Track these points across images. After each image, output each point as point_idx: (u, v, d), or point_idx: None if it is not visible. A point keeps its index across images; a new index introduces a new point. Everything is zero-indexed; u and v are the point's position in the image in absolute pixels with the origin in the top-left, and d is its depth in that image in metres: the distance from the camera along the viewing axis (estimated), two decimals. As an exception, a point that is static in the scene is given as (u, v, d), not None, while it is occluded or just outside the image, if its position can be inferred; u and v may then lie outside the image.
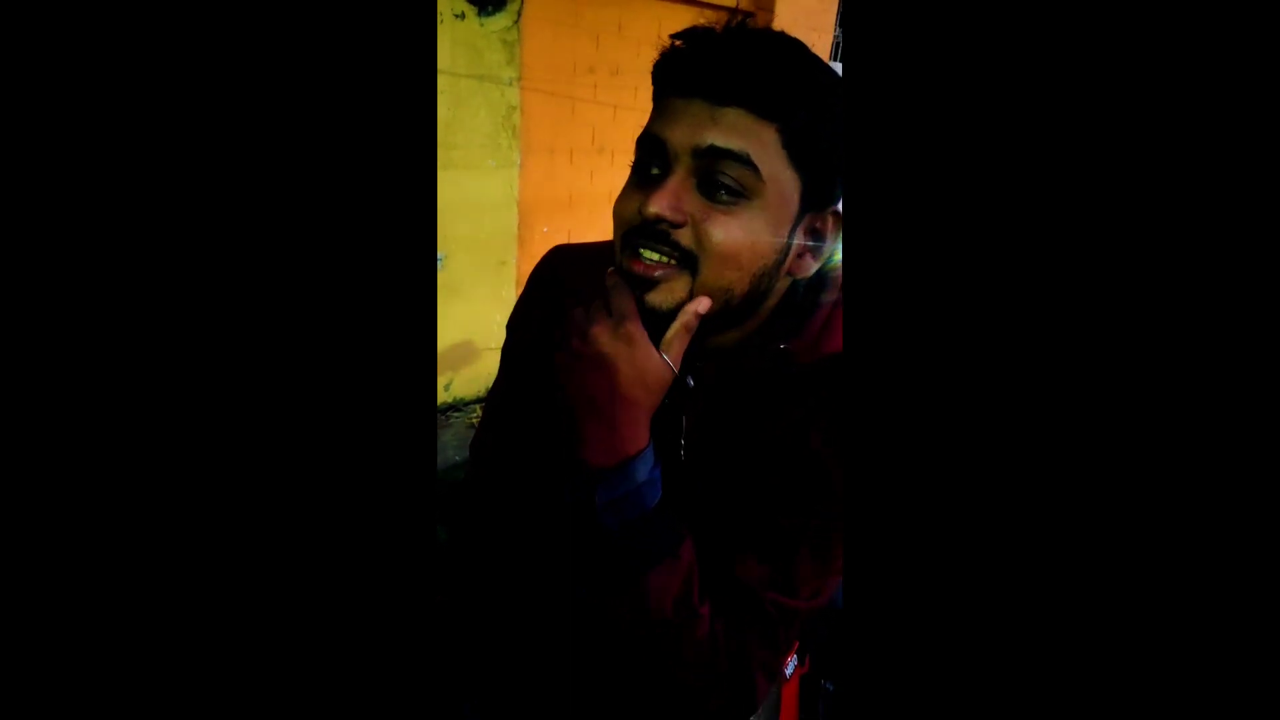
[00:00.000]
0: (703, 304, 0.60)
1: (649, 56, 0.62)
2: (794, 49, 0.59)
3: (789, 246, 0.62)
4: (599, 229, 3.33)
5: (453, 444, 2.88)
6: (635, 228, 0.60)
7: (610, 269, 0.62)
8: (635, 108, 3.28)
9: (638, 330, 0.59)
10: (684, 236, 0.59)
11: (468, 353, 3.11)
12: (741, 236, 0.58)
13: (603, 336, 0.59)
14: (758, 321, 0.66)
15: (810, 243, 0.64)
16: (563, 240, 3.44)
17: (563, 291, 0.71)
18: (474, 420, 3.08)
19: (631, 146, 0.63)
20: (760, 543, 0.63)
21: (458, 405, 3.14)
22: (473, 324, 3.06)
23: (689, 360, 0.64)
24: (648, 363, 0.59)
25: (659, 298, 0.60)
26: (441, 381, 3.07)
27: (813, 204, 0.62)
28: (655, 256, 0.60)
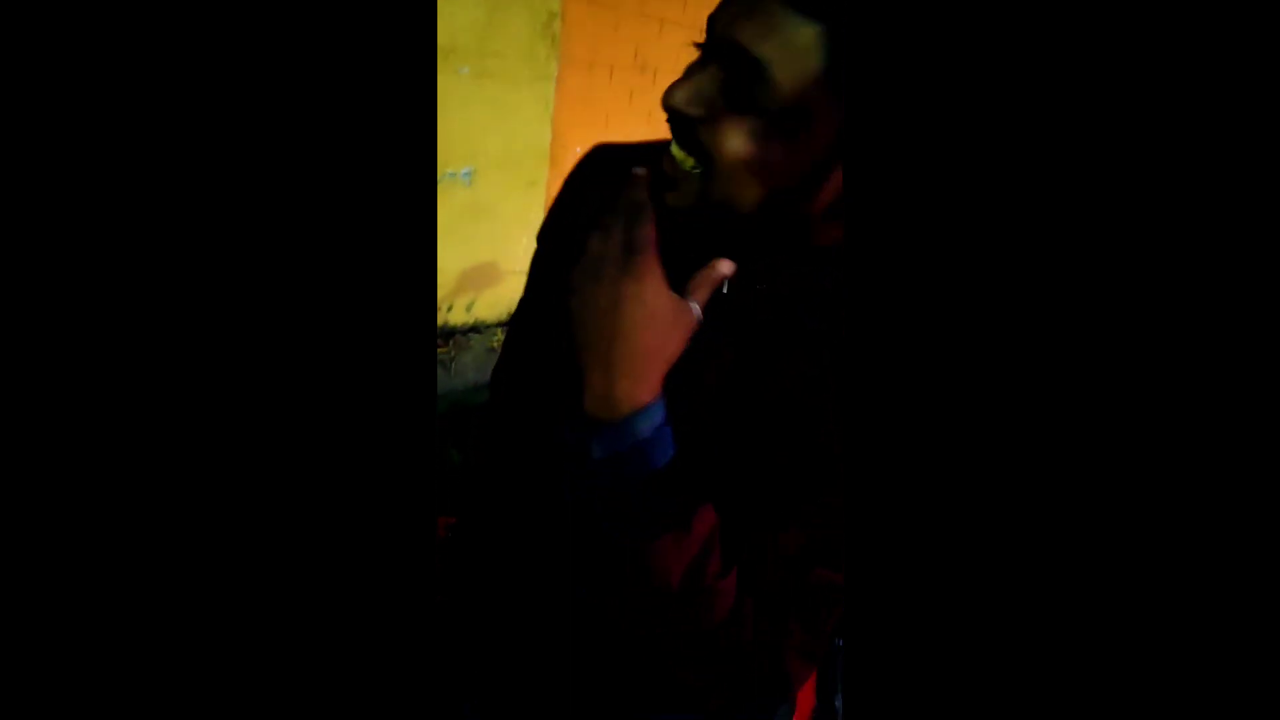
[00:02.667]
0: (726, 267, 0.55)
1: (705, -34, 0.52)
2: None
3: (817, 182, 0.54)
4: (635, 153, 3.19)
5: (473, 366, 2.84)
6: (669, 119, 0.54)
7: (635, 170, 0.54)
8: (683, 23, 3.10)
9: (650, 266, 0.52)
10: (704, 134, 0.53)
11: (492, 274, 3.05)
12: (750, 147, 0.52)
13: (610, 271, 0.52)
14: (808, 258, 0.59)
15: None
16: (597, 162, 3.32)
17: (602, 199, 0.62)
18: (495, 343, 3.04)
19: (676, 66, 0.56)
20: (802, 511, 0.56)
21: (479, 327, 3.09)
22: (498, 244, 2.99)
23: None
24: (659, 303, 0.52)
25: (675, 197, 0.55)
26: (463, 302, 3.02)
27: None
28: (678, 154, 0.54)
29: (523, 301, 0.72)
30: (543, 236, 0.71)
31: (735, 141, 0.52)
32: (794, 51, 0.48)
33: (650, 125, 3.16)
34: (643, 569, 0.52)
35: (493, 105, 2.72)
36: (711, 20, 0.53)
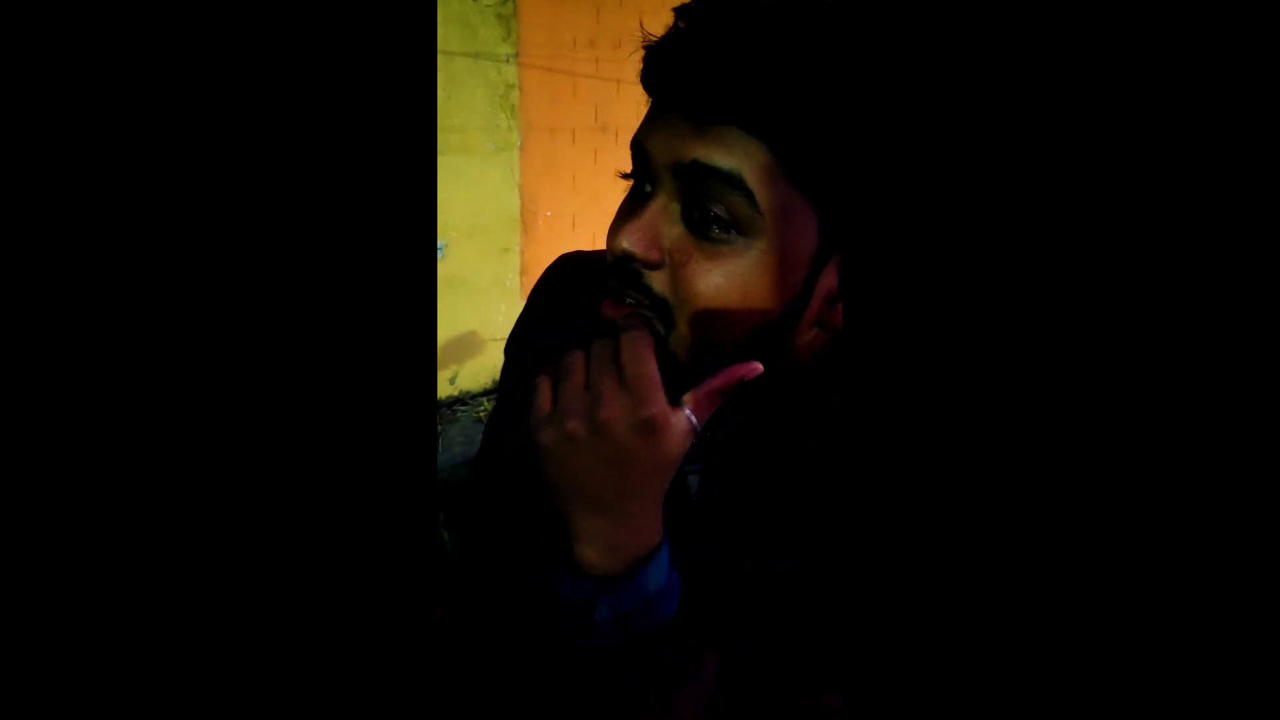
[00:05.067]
0: (754, 369, 0.46)
1: (653, 27, 0.49)
2: (799, 28, 0.44)
3: (808, 294, 0.48)
4: (604, 211, 3.23)
5: (459, 440, 2.80)
6: (609, 266, 0.47)
7: (616, 303, 0.48)
8: (639, 82, 3.16)
9: (663, 413, 0.44)
10: (657, 280, 0.46)
11: (473, 344, 3.03)
12: (729, 286, 0.45)
13: (617, 426, 0.44)
14: (790, 375, 0.53)
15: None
16: (567, 224, 3.35)
17: (573, 313, 0.56)
18: (480, 414, 3.00)
19: (637, 122, 0.50)
20: (805, 629, 0.51)
21: (463, 399, 3.06)
22: (477, 314, 2.98)
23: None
24: (672, 446, 0.45)
25: None
26: (446, 375, 2.99)
27: (841, 241, 0.47)
28: (634, 301, 0.47)
29: (493, 417, 0.66)
30: (511, 349, 0.65)
31: (713, 280, 0.45)
32: (760, 163, 0.43)
33: (618, 183, 3.19)
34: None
35: (458, 178, 2.74)
36: (639, 145, 0.47)
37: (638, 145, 0.47)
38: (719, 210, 0.44)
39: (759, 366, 0.46)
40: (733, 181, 0.43)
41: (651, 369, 0.45)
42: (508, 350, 0.64)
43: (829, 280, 0.48)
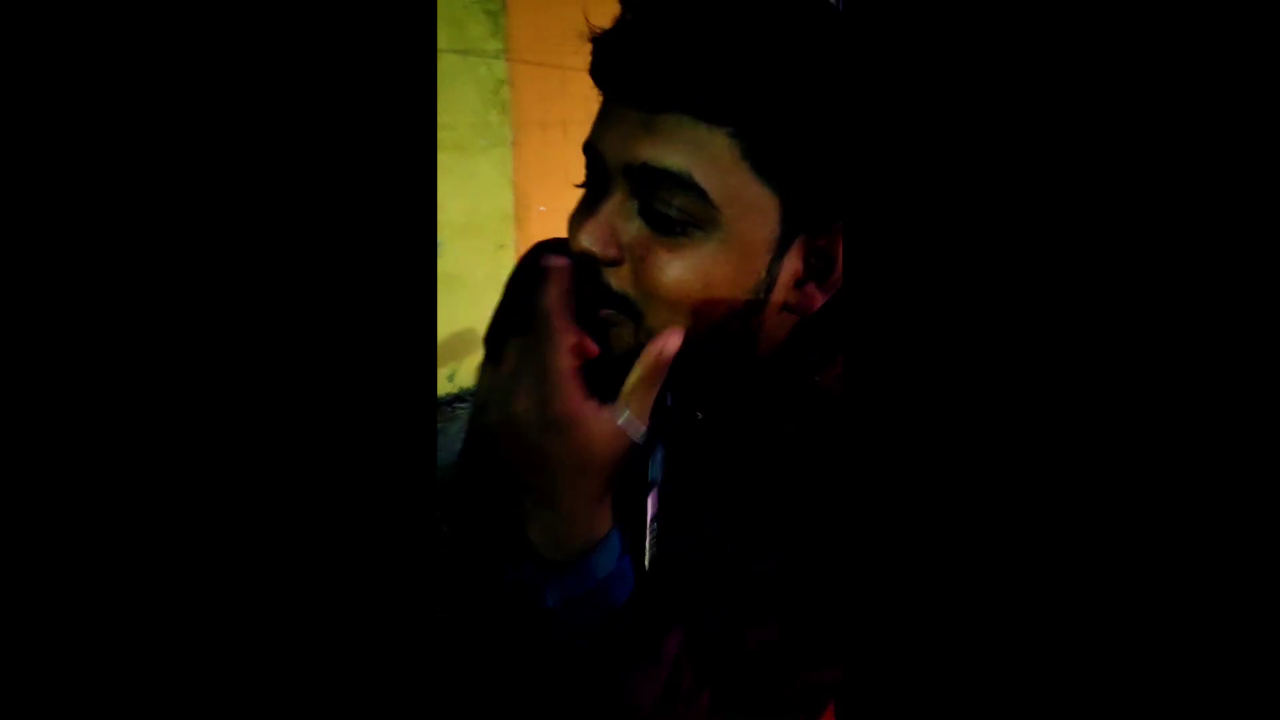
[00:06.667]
0: (671, 343, 0.45)
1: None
2: (750, 10, 0.44)
3: (771, 280, 0.48)
4: (598, 205, 3.23)
5: (460, 437, 2.80)
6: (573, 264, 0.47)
7: (551, 263, 0.48)
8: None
9: (573, 410, 0.44)
10: (617, 277, 0.47)
11: (471, 341, 3.03)
12: (690, 278, 0.45)
13: (526, 423, 0.44)
14: (762, 359, 0.53)
15: (812, 272, 0.49)
16: (561, 219, 3.34)
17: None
18: (481, 411, 3.01)
19: None
20: (783, 603, 0.51)
21: (463, 396, 3.06)
22: (474, 311, 2.98)
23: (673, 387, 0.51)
24: (589, 438, 0.44)
25: (612, 343, 0.48)
26: (445, 372, 2.99)
27: (805, 225, 0.47)
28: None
29: (473, 410, 0.68)
30: (490, 341, 0.66)
31: (674, 273, 0.45)
32: (712, 155, 0.44)
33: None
34: (611, 704, 0.47)
35: (451, 175, 2.74)
36: (592, 148, 0.47)
37: (590, 149, 0.47)
38: (672, 210, 0.45)
39: (677, 338, 0.46)
40: (683, 182, 0.44)
41: (562, 364, 0.44)
42: (486, 342, 0.65)
43: (793, 263, 0.49)
